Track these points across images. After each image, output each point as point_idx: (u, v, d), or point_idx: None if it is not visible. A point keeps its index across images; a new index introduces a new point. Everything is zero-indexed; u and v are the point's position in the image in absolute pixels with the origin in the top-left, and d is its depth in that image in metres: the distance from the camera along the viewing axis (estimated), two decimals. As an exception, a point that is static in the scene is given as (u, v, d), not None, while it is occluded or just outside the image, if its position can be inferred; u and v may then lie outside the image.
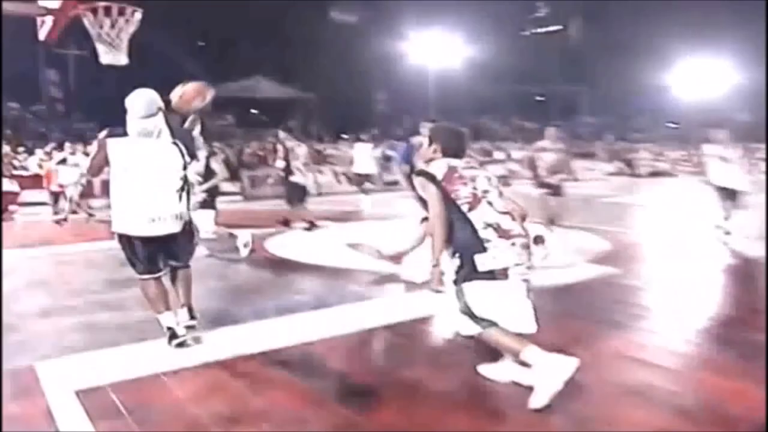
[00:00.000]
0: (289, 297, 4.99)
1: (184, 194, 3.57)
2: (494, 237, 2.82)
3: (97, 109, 25.16)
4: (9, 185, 11.64)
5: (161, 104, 3.55)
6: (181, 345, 3.57)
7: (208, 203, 6.60)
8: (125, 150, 3.49)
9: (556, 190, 7.48)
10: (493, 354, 3.10)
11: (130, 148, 3.49)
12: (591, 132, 31.28)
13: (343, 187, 16.08)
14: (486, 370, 3.14)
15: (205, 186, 6.52)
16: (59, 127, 23.08)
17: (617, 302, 4.72)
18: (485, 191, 2.95)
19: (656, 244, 7.74)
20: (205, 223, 6.47)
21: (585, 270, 5.88)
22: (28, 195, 12.03)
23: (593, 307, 4.60)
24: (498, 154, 21.77)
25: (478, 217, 2.86)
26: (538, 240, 6.23)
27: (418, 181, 3.01)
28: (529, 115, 32.43)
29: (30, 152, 15.87)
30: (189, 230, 3.73)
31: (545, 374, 2.74)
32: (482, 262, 2.81)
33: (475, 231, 2.83)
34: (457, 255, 2.88)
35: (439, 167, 2.99)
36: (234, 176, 15.65)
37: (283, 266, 6.35)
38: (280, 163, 9.19)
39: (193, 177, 6.39)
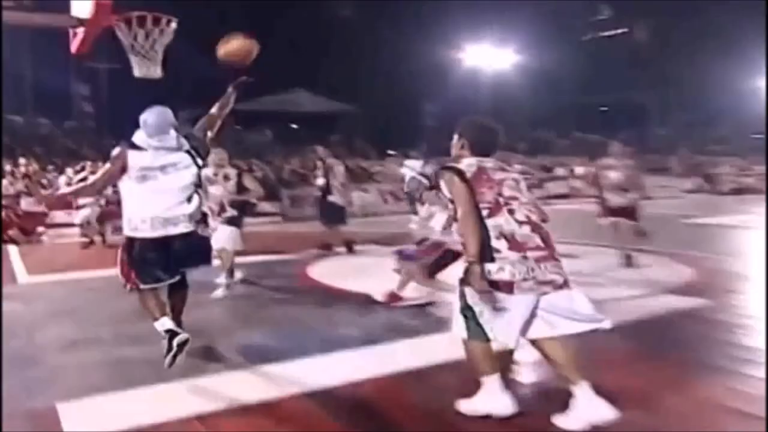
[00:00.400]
0: (335, 330, 4.87)
1: (196, 195, 3.91)
2: (504, 248, 2.87)
3: (129, 124, 26.09)
4: (37, 206, 12.04)
5: (174, 121, 3.96)
6: (183, 344, 3.61)
7: (235, 220, 6.57)
8: (142, 161, 3.84)
9: (629, 213, 7.17)
10: (565, 401, 2.94)
11: (147, 159, 3.84)
12: (663, 144, 30.42)
13: (390, 207, 16.03)
14: (560, 420, 2.95)
15: (240, 198, 6.55)
16: (90, 144, 23.90)
17: (708, 340, 4.41)
18: (511, 198, 2.97)
19: (749, 272, 7.29)
20: (226, 238, 6.43)
21: (667, 302, 5.55)
22: (57, 216, 12.39)
23: (679, 346, 4.29)
24: (559, 170, 21.40)
25: (494, 225, 2.90)
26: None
27: (445, 177, 2.99)
28: (593, 127, 31.82)
29: (60, 170, 16.43)
30: (201, 235, 3.99)
31: (581, 410, 2.87)
32: (487, 270, 2.87)
33: (488, 239, 2.88)
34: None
35: (469, 165, 3.00)
36: (273, 195, 15.84)
37: (327, 295, 6.27)
38: (320, 181, 9.21)
39: (226, 197, 6.45)
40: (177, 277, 3.97)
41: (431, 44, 28.29)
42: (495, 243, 2.88)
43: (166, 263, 3.85)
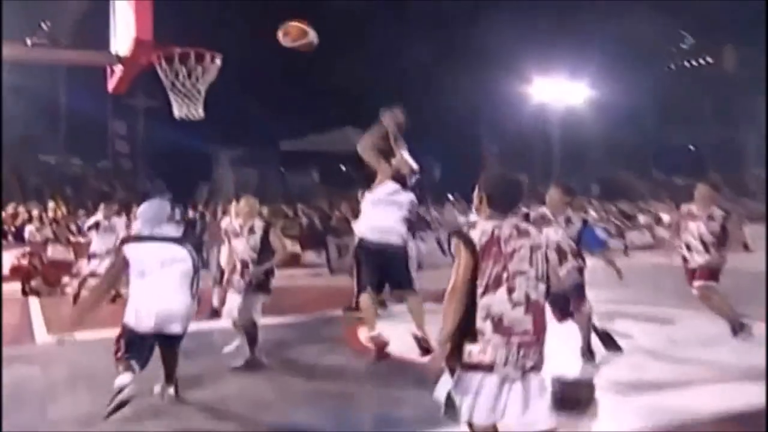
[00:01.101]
0: (393, 409, 4.65)
1: (194, 297, 4.63)
2: (489, 330, 2.97)
3: (165, 166, 26.83)
4: (63, 253, 12.26)
5: (167, 216, 4.70)
6: (123, 403, 4.20)
7: (262, 285, 6.31)
8: (141, 253, 4.54)
9: (710, 274, 6.63)
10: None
11: (146, 252, 4.54)
12: (764, 187, 29.31)
13: (449, 259, 15.80)
14: None
15: (262, 268, 6.27)
16: (124, 185, 24.67)
17: None
18: (517, 272, 3.03)
19: None
20: (254, 308, 6.25)
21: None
22: (83, 265, 12.54)
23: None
24: (642, 217, 20.81)
25: (485, 305, 3.00)
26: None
27: (453, 243, 3.12)
28: (679, 168, 31.05)
29: (91, 214, 16.87)
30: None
31: None
32: (468, 351, 3.00)
33: (474, 317, 2.99)
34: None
35: (482, 233, 3.07)
36: (318, 244, 15.86)
37: (380, 364, 6.02)
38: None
39: (248, 254, 6.27)
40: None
41: (495, 77, 28.36)
42: (480, 324, 3.00)
43: (150, 352, 4.64)
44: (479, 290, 3.02)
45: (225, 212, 8.54)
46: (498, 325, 2.98)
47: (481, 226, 3.11)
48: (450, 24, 29.87)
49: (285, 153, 30.23)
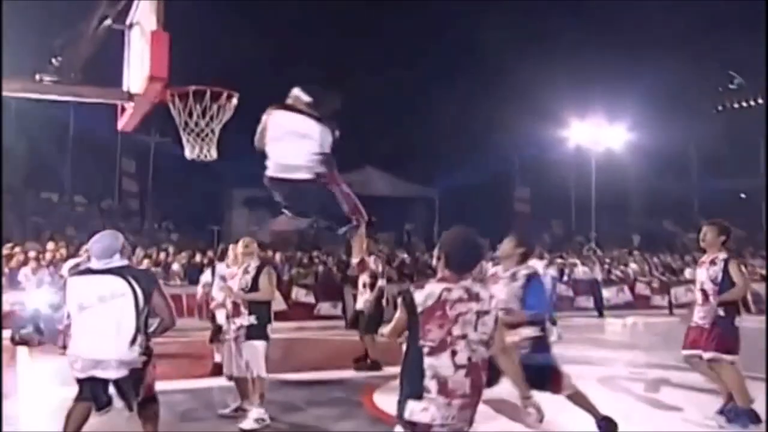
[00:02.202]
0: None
1: (138, 341, 4.41)
2: (434, 390, 3.17)
3: (175, 207, 27.13)
4: (58, 298, 12.29)
5: (120, 247, 4.58)
6: None
7: (256, 331, 6.24)
8: (80, 287, 4.52)
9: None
10: None
11: (85, 286, 4.50)
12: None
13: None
14: None
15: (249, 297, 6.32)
16: (129, 227, 24.94)
17: None
18: (460, 336, 3.22)
19: None
20: (253, 360, 6.18)
21: None
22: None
23: None
24: (688, 272, 20.50)
25: (432, 364, 3.20)
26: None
27: (399, 301, 3.34)
28: (729, 218, 30.63)
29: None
30: (138, 377, 4.49)
31: None
32: (411, 409, 3.19)
33: (422, 376, 3.19)
34: (399, 382, 3.32)
35: (429, 294, 3.25)
36: (334, 295, 15.81)
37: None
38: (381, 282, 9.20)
39: (240, 295, 6.30)
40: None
41: (529, 119, 28.51)
42: (427, 382, 3.19)
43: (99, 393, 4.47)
44: (425, 350, 3.22)
45: (224, 255, 8.62)
46: (443, 386, 3.19)
47: (429, 288, 3.29)
48: (483, 63, 30.23)
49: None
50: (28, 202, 25.32)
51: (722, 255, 6.12)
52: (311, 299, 15.36)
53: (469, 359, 3.25)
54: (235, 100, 5.44)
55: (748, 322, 6.00)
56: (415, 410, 3.20)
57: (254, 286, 6.32)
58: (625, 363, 9.76)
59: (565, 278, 17.75)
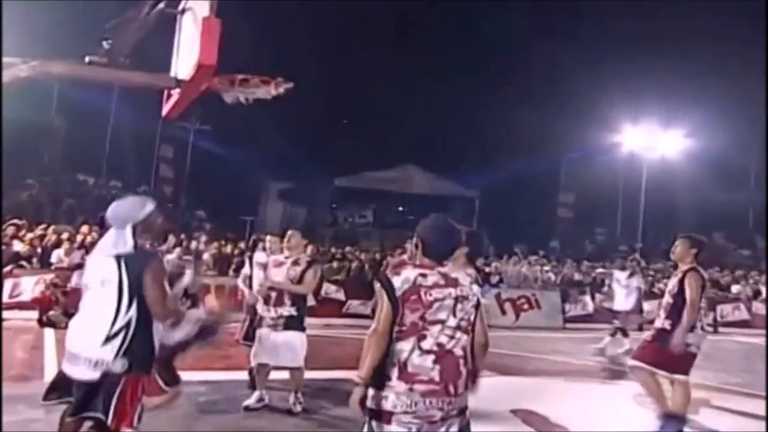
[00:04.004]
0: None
1: (114, 341, 3.72)
2: (395, 376, 3.21)
3: (210, 196, 27.53)
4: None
5: (136, 219, 3.91)
6: None
7: (295, 322, 6.48)
8: (90, 266, 4.00)
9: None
10: None
11: (92, 266, 3.96)
12: None
13: (507, 319, 15.67)
14: None
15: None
16: (163, 214, 25.41)
17: None
18: (434, 322, 3.25)
19: None
20: (293, 349, 6.41)
21: None
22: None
23: None
24: (736, 289, 20.21)
25: (395, 350, 3.24)
26: None
27: (376, 287, 3.37)
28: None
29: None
30: (109, 388, 3.74)
31: None
32: (371, 396, 3.25)
33: (386, 364, 3.24)
34: None
35: (405, 279, 3.29)
36: (366, 292, 15.88)
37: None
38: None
39: (286, 285, 6.46)
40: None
41: (577, 122, 28.27)
42: (388, 369, 3.24)
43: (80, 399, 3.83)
44: (395, 336, 3.27)
45: (255, 246, 8.81)
46: (402, 371, 3.22)
47: (405, 273, 3.33)
48: (533, 64, 30.07)
49: (338, 189, 30.68)
50: (64, 184, 25.87)
51: (685, 267, 6.07)
52: (341, 296, 15.42)
53: (441, 345, 3.26)
54: (282, 89, 5.56)
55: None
56: (375, 398, 3.25)
57: (300, 279, 6.54)
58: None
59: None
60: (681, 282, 5.99)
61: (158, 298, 3.79)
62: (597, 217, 32.45)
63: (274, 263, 6.77)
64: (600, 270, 18.20)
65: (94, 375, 3.71)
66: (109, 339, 3.72)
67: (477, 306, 3.40)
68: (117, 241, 3.86)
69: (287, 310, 6.45)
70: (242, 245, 17.00)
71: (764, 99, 24.66)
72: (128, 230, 3.87)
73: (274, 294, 6.53)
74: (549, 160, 31.55)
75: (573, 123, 28.22)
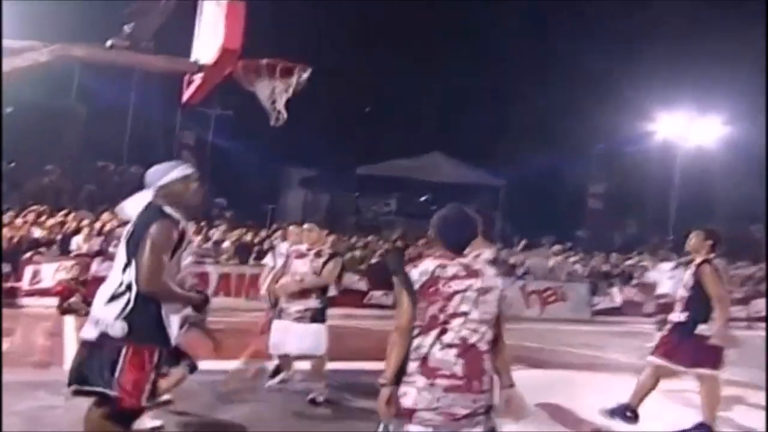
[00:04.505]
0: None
1: (119, 301, 3.59)
2: (415, 370, 3.19)
3: (230, 183, 27.67)
4: (109, 269, 12.71)
5: (157, 183, 3.79)
6: None
7: (320, 314, 6.66)
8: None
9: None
10: None
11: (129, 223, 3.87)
12: None
13: (532, 312, 15.64)
14: None
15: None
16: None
17: None
18: (455, 314, 3.21)
19: None
20: (318, 339, 6.53)
21: None
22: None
23: None
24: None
25: (416, 345, 3.22)
26: None
27: (395, 282, 3.36)
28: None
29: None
30: (111, 355, 3.60)
31: None
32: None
33: (407, 359, 3.21)
34: None
35: (423, 271, 3.28)
36: (388, 282, 15.92)
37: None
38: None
39: (308, 275, 6.60)
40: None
41: (608, 110, 27.94)
42: (410, 364, 3.21)
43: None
44: (415, 331, 3.24)
45: (284, 236, 8.97)
46: (423, 366, 3.19)
47: (424, 265, 3.32)
48: (562, 48, 29.69)
49: (361, 177, 30.68)
50: (84, 170, 26.12)
51: (699, 259, 6.02)
52: (363, 286, 15.47)
53: (464, 339, 3.22)
54: (306, 75, 5.57)
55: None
56: (398, 395, 3.21)
57: (321, 271, 6.70)
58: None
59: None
60: (695, 275, 5.96)
61: (144, 263, 3.55)
62: (627, 209, 32.14)
63: (296, 254, 6.89)
64: (631, 262, 18.10)
65: (93, 333, 3.62)
66: (113, 298, 3.62)
67: (502, 299, 3.36)
68: (137, 199, 3.82)
69: (313, 302, 6.61)
70: (263, 233, 17.11)
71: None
72: (149, 192, 3.80)
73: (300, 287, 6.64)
74: (579, 148, 31.23)
75: (604, 111, 27.89)
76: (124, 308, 3.58)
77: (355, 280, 15.36)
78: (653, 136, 29.06)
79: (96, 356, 3.62)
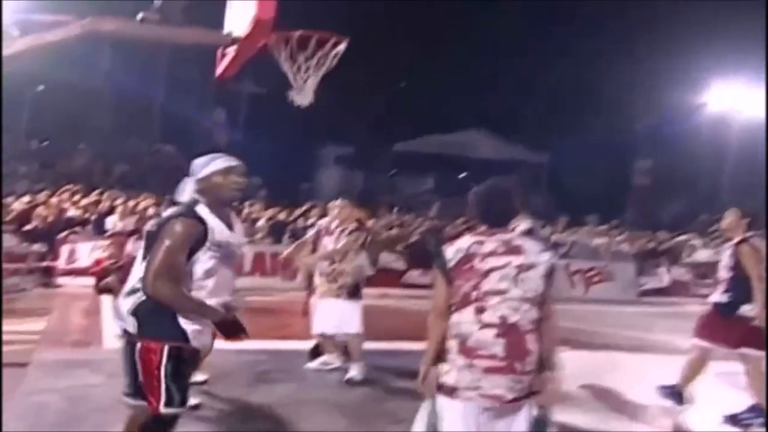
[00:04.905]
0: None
1: (136, 294, 3.45)
2: (454, 350, 3.20)
3: (265, 161, 27.82)
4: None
5: (196, 175, 3.61)
6: None
7: (355, 291, 6.75)
8: None
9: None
10: None
11: None
12: None
13: (576, 291, 15.55)
14: None
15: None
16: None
17: None
18: (492, 292, 3.18)
19: None
20: (350, 319, 6.61)
21: None
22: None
23: None
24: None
25: (454, 323, 3.23)
26: None
27: (435, 265, 3.36)
28: None
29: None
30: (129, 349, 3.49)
31: None
32: (439, 371, 3.23)
33: (447, 337, 3.25)
34: None
35: (458, 248, 3.28)
36: (426, 262, 15.94)
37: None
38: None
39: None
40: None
41: (657, 81, 27.41)
42: (449, 342, 3.23)
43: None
44: (452, 308, 3.24)
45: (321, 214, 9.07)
46: (462, 345, 3.18)
47: (459, 243, 3.31)
48: (607, 15, 29.18)
49: (398, 154, 30.62)
50: (115, 150, 26.48)
51: (737, 239, 5.93)
52: (400, 265, 15.49)
53: (503, 318, 3.17)
54: (341, 46, 5.56)
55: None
56: (441, 372, 3.23)
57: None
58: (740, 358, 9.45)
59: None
60: (734, 255, 5.90)
61: (152, 263, 3.36)
62: (676, 185, 31.64)
63: (326, 232, 6.97)
64: (680, 239, 17.81)
65: (117, 329, 3.58)
66: (132, 292, 3.49)
67: (549, 276, 3.26)
68: (179, 189, 3.67)
69: (346, 279, 6.68)
70: (297, 212, 17.20)
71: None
72: (190, 183, 3.64)
73: (326, 266, 6.73)
74: (626, 122, 30.77)
75: (652, 82, 27.42)
76: (135, 302, 3.46)
77: (391, 260, 15.36)
78: (705, 109, 28.47)
79: (126, 355, 3.52)
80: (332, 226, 6.91)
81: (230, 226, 3.62)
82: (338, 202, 7.05)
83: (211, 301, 3.51)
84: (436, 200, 26.69)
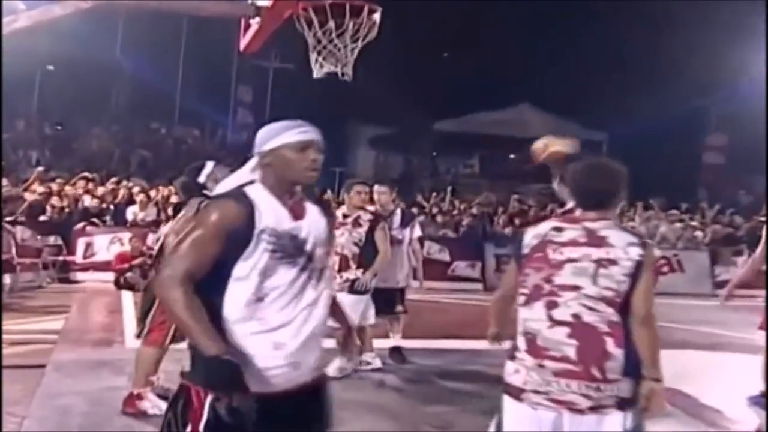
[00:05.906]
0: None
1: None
2: (523, 347, 3.15)
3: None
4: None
5: (267, 146, 3.07)
6: None
7: (359, 285, 6.74)
8: None
9: None
10: None
11: None
12: None
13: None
14: None
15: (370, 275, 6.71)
16: (239, 162, 26.01)
17: None
18: (565, 287, 3.09)
19: None
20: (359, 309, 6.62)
21: None
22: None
23: None
24: None
25: (523, 318, 3.20)
26: None
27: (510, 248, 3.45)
28: None
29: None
30: None
31: None
32: (506, 369, 3.21)
33: (516, 332, 3.22)
34: None
35: (536, 234, 3.25)
36: (473, 252, 15.91)
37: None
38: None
39: (350, 250, 6.72)
40: None
41: (732, 48, 26.92)
42: (518, 339, 3.20)
43: None
44: (520, 299, 3.21)
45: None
46: (531, 343, 3.14)
47: (539, 228, 3.29)
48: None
49: (439, 134, 30.52)
50: (134, 133, 26.76)
51: None
52: (445, 257, 15.49)
53: (577, 317, 3.07)
54: (377, 15, 5.57)
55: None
56: (508, 371, 3.19)
57: (369, 240, 6.75)
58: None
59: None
60: None
61: (175, 248, 2.84)
62: (754, 163, 31.08)
63: (338, 223, 6.91)
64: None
65: None
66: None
67: (636, 274, 3.06)
68: (235, 177, 3.24)
69: (353, 273, 6.71)
70: (329, 197, 17.31)
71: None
72: (253, 161, 3.09)
73: (337, 259, 6.73)
74: (696, 95, 30.25)
75: (726, 48, 26.90)
76: None
77: (436, 250, 15.37)
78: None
79: None
80: (339, 218, 6.93)
81: (298, 216, 3.00)
82: (377, 187, 7.06)
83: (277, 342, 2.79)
84: (482, 184, 26.62)
